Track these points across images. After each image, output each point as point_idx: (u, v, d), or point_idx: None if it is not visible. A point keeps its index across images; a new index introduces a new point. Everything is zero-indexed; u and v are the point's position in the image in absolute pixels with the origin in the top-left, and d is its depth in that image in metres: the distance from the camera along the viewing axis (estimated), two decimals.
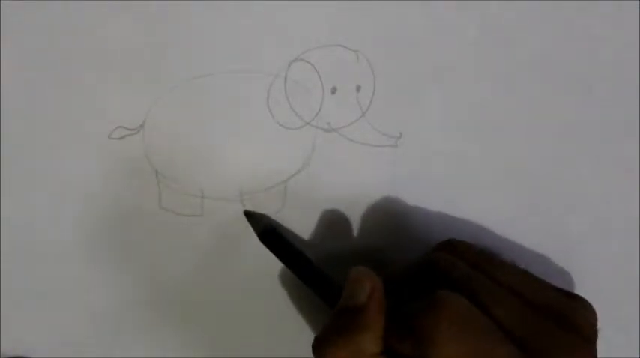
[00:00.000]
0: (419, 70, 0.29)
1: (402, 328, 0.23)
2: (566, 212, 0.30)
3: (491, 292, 0.24)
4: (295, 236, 0.30)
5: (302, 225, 0.30)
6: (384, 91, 0.29)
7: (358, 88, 0.29)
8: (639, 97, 0.30)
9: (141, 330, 0.30)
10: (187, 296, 0.30)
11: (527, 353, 0.22)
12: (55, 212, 0.29)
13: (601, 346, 0.24)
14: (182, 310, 0.30)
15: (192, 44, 0.28)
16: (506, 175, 0.30)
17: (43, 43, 0.28)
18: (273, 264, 0.30)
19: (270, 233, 0.28)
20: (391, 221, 0.30)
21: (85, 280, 0.29)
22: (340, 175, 0.29)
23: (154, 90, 0.28)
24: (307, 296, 0.30)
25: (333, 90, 0.29)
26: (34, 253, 0.29)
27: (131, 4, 0.28)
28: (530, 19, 0.29)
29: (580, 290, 0.27)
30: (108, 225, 0.29)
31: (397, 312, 0.24)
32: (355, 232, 0.30)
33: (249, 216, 0.29)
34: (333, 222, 0.30)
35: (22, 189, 0.29)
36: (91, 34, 0.28)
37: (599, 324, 0.24)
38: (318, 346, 0.24)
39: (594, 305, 0.24)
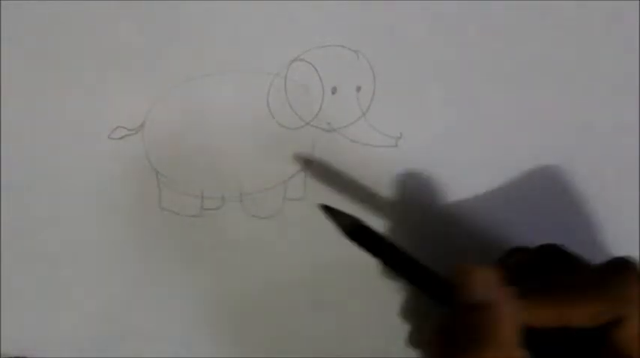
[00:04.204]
0: (419, 70, 0.29)
1: (544, 296, 0.23)
2: (567, 212, 0.30)
3: None
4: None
5: (302, 225, 0.30)
6: (384, 91, 0.29)
7: (358, 88, 0.29)
8: (639, 97, 0.30)
9: (140, 330, 0.30)
10: (187, 296, 0.30)
11: None
12: (55, 212, 0.29)
13: None
14: (182, 310, 0.30)
15: (193, 44, 0.28)
16: (506, 175, 0.30)
17: (43, 43, 0.28)
18: (272, 264, 0.30)
19: (358, 228, 0.25)
20: (391, 221, 0.30)
21: (85, 280, 0.29)
22: (340, 175, 0.29)
23: (154, 90, 0.28)
24: (306, 296, 0.30)
25: (333, 91, 0.29)
26: (34, 253, 0.29)
27: (131, 4, 0.28)
28: (530, 19, 0.29)
29: None
30: (108, 225, 0.29)
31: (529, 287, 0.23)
32: None
33: (332, 211, 0.26)
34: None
35: (22, 189, 0.29)
36: (91, 34, 0.28)
37: None
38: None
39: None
